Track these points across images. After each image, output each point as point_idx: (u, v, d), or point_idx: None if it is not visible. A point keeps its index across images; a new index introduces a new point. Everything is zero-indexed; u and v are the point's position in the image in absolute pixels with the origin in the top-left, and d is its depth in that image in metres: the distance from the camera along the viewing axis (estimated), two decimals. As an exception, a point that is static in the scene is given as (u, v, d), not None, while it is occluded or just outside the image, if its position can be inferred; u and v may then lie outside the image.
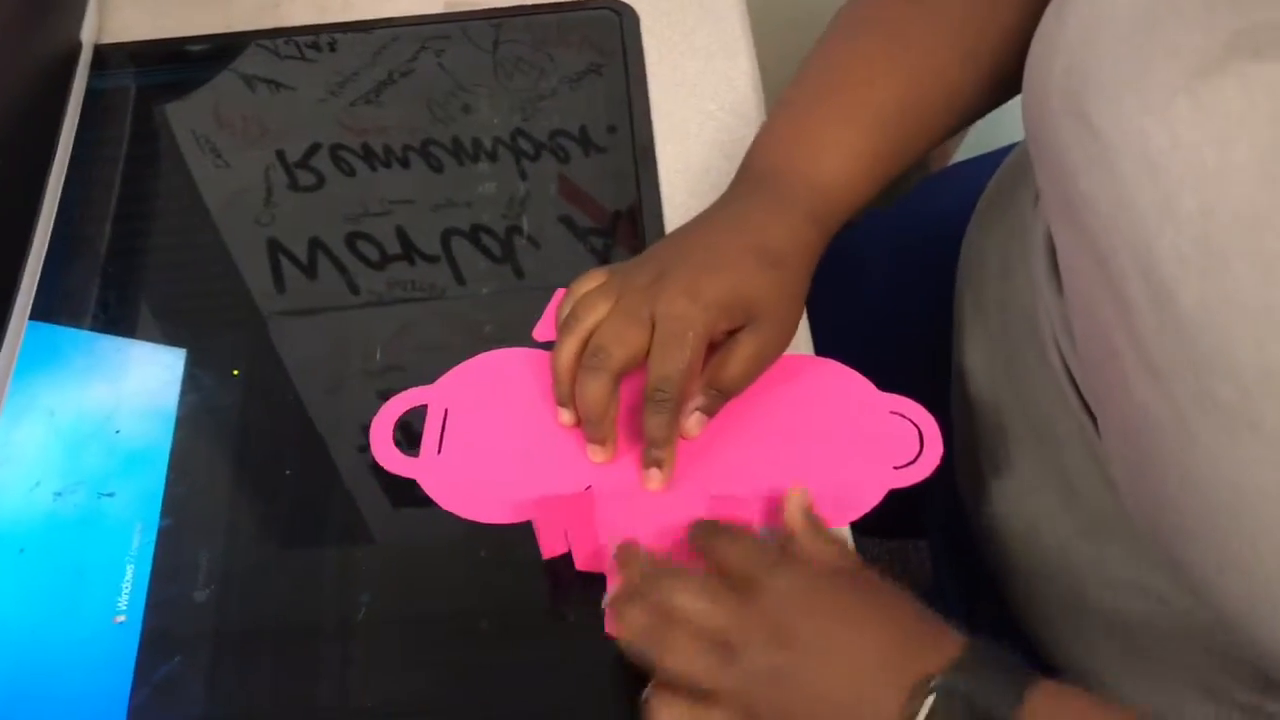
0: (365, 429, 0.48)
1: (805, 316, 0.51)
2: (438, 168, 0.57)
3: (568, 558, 0.44)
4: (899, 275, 0.69)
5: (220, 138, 0.58)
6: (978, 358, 0.54)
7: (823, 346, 0.51)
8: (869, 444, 0.47)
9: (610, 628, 0.41)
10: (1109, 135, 0.35)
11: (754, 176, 0.50)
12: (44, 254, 0.52)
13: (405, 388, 0.49)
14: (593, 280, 0.47)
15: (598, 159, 0.58)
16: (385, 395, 0.48)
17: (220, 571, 0.45)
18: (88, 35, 0.60)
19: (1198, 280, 0.33)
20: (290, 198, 0.56)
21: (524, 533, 0.45)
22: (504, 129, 0.59)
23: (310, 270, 0.53)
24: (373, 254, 0.53)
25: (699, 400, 0.46)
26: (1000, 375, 0.52)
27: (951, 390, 0.59)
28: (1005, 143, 0.70)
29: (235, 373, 0.50)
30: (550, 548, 0.44)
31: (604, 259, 0.54)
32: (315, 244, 0.54)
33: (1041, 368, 0.47)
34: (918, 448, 0.47)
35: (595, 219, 0.55)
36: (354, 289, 0.52)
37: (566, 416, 0.47)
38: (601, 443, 0.46)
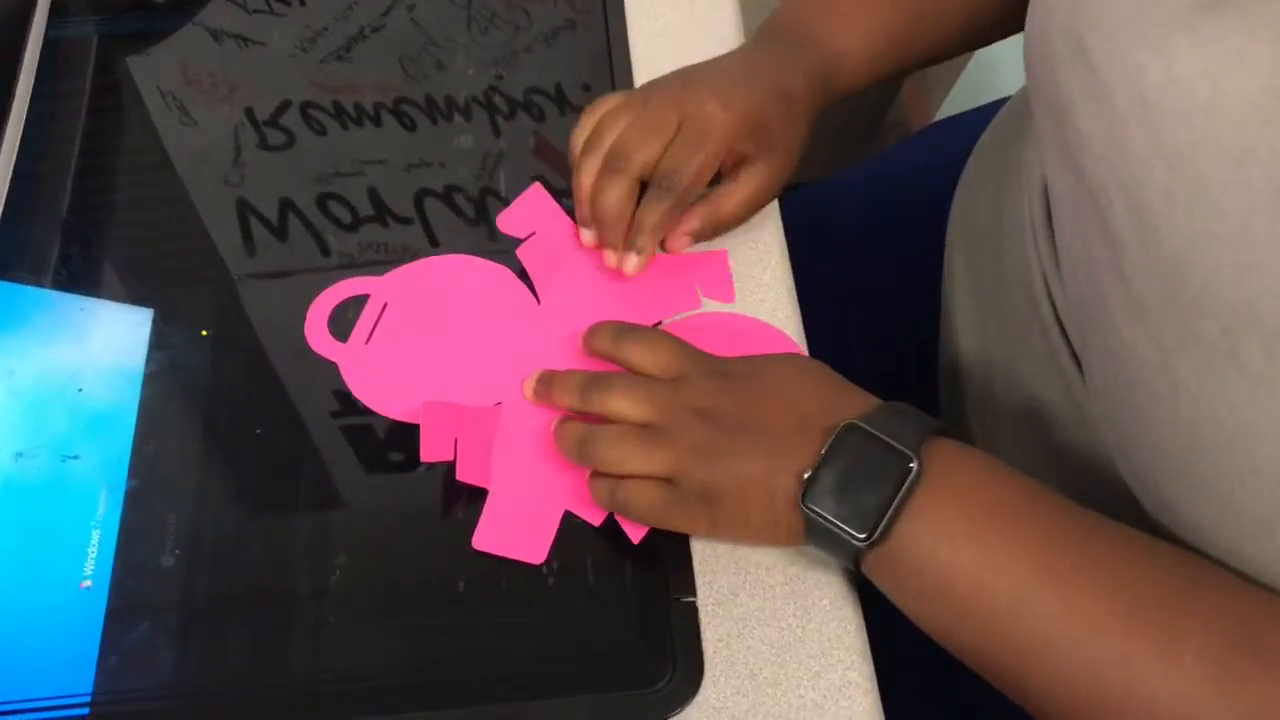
0: (336, 393, 0.47)
1: (789, 273, 0.52)
2: (410, 126, 0.56)
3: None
4: (879, 232, 0.69)
5: (187, 94, 0.56)
6: (968, 312, 0.55)
7: (805, 299, 0.51)
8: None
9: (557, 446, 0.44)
10: (1105, 72, 0.35)
11: (772, 34, 0.52)
12: (0, 209, 0.50)
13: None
14: (611, 101, 0.50)
15: (574, 117, 0.57)
16: (358, 359, 0.48)
17: (189, 536, 0.44)
18: (46, -19, 0.58)
19: (1184, 217, 0.33)
20: (260, 157, 0.54)
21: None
22: (478, 87, 0.57)
23: (280, 232, 0.52)
24: (344, 215, 0.52)
25: (693, 223, 0.48)
26: (989, 328, 0.52)
27: (940, 347, 0.59)
28: (987, 100, 0.70)
29: (205, 333, 0.49)
30: (432, 452, 0.45)
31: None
32: (286, 205, 0.53)
33: (1031, 318, 0.47)
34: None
35: (570, 179, 0.55)
36: (325, 251, 0.51)
37: (588, 236, 0.49)
38: (615, 248, 0.48)
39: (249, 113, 0.56)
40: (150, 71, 0.58)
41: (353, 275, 0.50)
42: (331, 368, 0.48)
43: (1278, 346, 0.31)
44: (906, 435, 0.39)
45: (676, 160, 0.46)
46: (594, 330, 0.46)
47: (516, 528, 0.44)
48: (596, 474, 0.44)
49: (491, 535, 0.44)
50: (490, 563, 0.43)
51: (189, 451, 0.46)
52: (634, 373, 0.45)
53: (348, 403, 0.47)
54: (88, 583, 0.43)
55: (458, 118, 0.56)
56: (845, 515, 0.39)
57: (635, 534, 0.44)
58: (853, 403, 0.41)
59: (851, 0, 0.52)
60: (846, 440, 0.39)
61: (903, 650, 0.45)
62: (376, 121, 0.56)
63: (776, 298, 0.50)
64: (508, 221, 0.52)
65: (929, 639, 0.40)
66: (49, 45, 0.57)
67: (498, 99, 0.57)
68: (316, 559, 0.44)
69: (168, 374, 0.48)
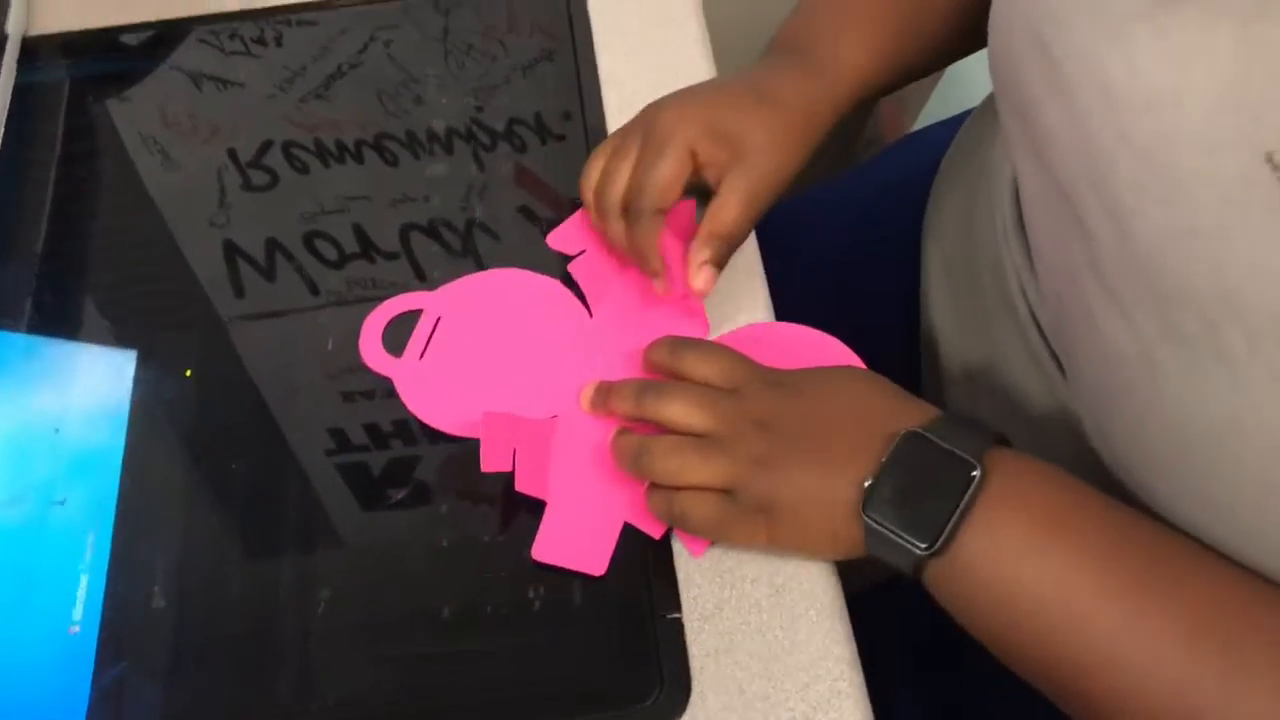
0: (331, 431, 0.47)
1: (765, 287, 0.52)
2: (392, 161, 0.56)
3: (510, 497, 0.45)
4: (860, 243, 0.69)
5: (168, 137, 0.56)
6: (945, 316, 0.55)
7: (782, 314, 0.51)
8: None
9: (616, 462, 0.44)
10: (1067, 66, 0.35)
11: (769, 49, 0.53)
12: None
13: (369, 388, 0.48)
14: (600, 150, 0.51)
15: (555, 146, 0.57)
16: (349, 396, 0.48)
17: (178, 578, 0.44)
18: (14, 26, 0.58)
19: (1155, 209, 0.33)
20: (244, 198, 0.54)
21: (487, 520, 0.45)
22: (458, 119, 0.58)
23: (269, 272, 0.52)
24: (331, 253, 0.52)
25: (704, 252, 0.46)
26: (968, 332, 0.53)
27: (921, 354, 0.60)
28: (959, 110, 0.71)
29: (188, 373, 0.49)
30: (492, 463, 0.45)
31: (565, 250, 0.54)
32: (273, 244, 0.53)
33: (1008, 319, 0.47)
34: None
35: (554, 208, 0.55)
36: (314, 289, 0.51)
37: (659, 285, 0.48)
38: (656, 274, 0.47)
39: (232, 154, 0.56)
40: (129, 115, 0.58)
41: (347, 309, 0.50)
42: (321, 407, 0.48)
43: (1259, 336, 0.31)
44: (969, 443, 0.38)
45: (640, 176, 0.47)
46: (654, 344, 0.46)
47: (576, 539, 0.44)
48: (654, 486, 0.43)
49: (551, 546, 0.44)
50: (473, 590, 0.43)
51: (175, 493, 0.46)
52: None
53: (343, 440, 0.47)
54: (76, 628, 0.43)
55: (439, 151, 0.57)
56: (907, 524, 0.38)
57: (696, 548, 0.44)
58: (912, 412, 0.41)
59: (852, 11, 0.52)
60: (907, 448, 0.39)
61: (897, 664, 0.45)
62: (358, 158, 0.56)
63: (753, 310, 0.51)
64: (558, 239, 0.52)
65: (924, 655, 0.40)
66: (20, 91, 0.57)
67: (478, 131, 0.58)
68: (303, 594, 0.43)
69: (152, 416, 0.48)
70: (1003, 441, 0.40)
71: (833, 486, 0.40)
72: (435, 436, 0.47)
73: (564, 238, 0.53)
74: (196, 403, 0.48)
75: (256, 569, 0.44)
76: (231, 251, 0.52)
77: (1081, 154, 0.35)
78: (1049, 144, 0.37)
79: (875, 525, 0.38)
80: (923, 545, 0.37)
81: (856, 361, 0.48)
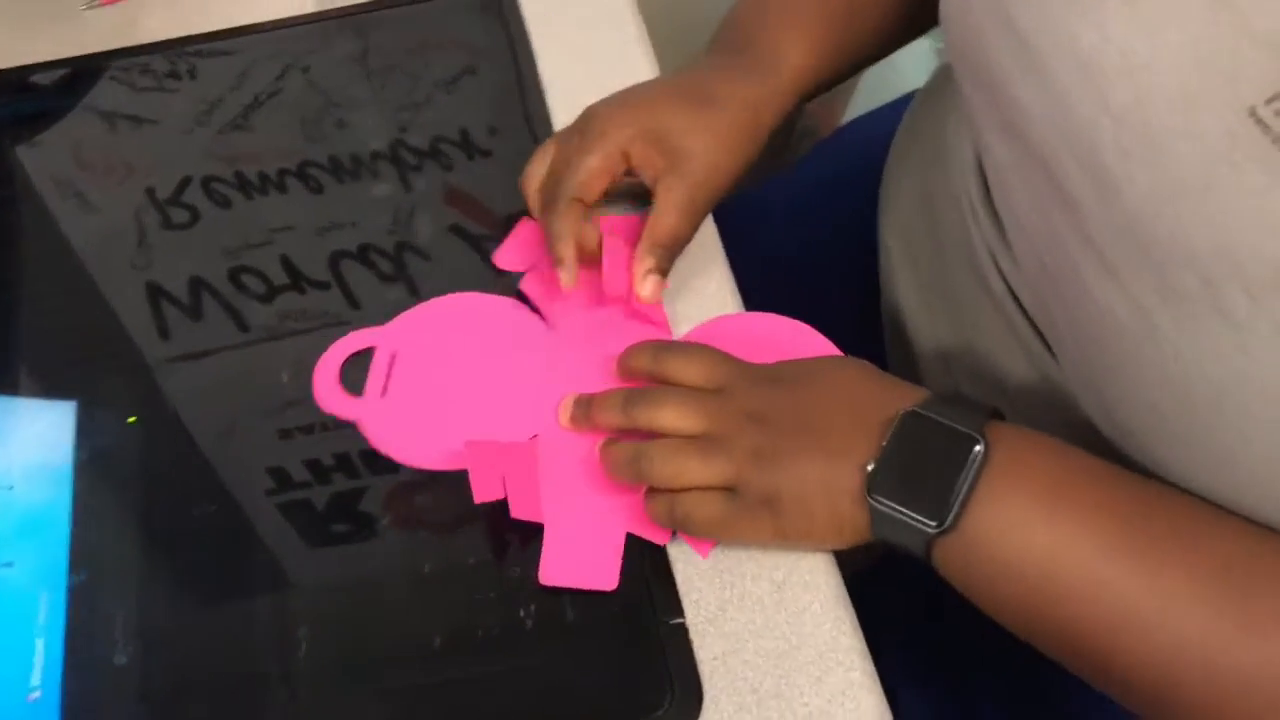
0: (271, 470, 0.46)
1: (731, 279, 0.51)
2: (317, 189, 0.55)
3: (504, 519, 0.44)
4: (815, 233, 0.69)
5: (83, 180, 0.55)
6: (912, 300, 0.55)
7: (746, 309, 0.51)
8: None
9: (604, 467, 0.43)
10: (1037, 41, 0.35)
11: (712, 48, 0.53)
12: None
13: (307, 423, 0.47)
14: (545, 147, 0.50)
15: (482, 162, 0.57)
16: (287, 434, 0.47)
17: (139, 631, 0.43)
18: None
19: (1141, 170, 0.33)
20: (165, 237, 0.53)
21: (473, 540, 0.44)
22: (383, 141, 0.57)
23: (194, 311, 0.51)
24: (259, 287, 0.51)
25: (648, 262, 0.46)
26: (939, 313, 0.53)
27: (886, 339, 0.59)
28: (893, 97, 0.71)
29: (131, 420, 0.48)
30: (484, 493, 0.44)
31: (498, 265, 0.54)
32: (197, 283, 0.52)
33: (982, 295, 0.47)
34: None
35: (486, 224, 0.54)
36: (243, 326, 0.50)
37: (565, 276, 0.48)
38: (561, 263, 0.47)
39: (150, 193, 0.55)
40: (41, 159, 0.56)
41: (279, 344, 0.49)
42: (260, 445, 0.47)
43: (1260, 288, 0.31)
44: (967, 419, 0.38)
45: (565, 163, 0.47)
46: (631, 351, 0.45)
47: (581, 557, 0.43)
48: (652, 491, 0.43)
49: (558, 568, 0.43)
50: (460, 614, 0.43)
51: (129, 543, 0.45)
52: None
53: (283, 478, 0.46)
54: (36, 693, 0.42)
55: (365, 175, 0.56)
56: (914, 504, 0.38)
57: (703, 549, 0.43)
58: (904, 394, 0.41)
59: (792, 8, 0.52)
60: (906, 428, 0.38)
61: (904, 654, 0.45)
62: (282, 188, 0.55)
63: (721, 301, 0.50)
64: (504, 258, 0.51)
65: (928, 641, 0.40)
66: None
67: (404, 151, 0.57)
68: (278, 635, 0.42)
69: (98, 466, 0.47)
70: (997, 415, 0.40)
71: (835, 473, 0.39)
72: (382, 467, 0.46)
73: (510, 255, 0.52)
74: (142, 450, 0.47)
75: (221, 613, 0.43)
76: (155, 293, 0.51)
77: (1060, 124, 0.35)
78: (1022, 116, 0.37)
79: (882, 508, 0.38)
80: (933, 524, 0.37)
81: (833, 349, 0.48)
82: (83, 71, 0.59)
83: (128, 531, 0.45)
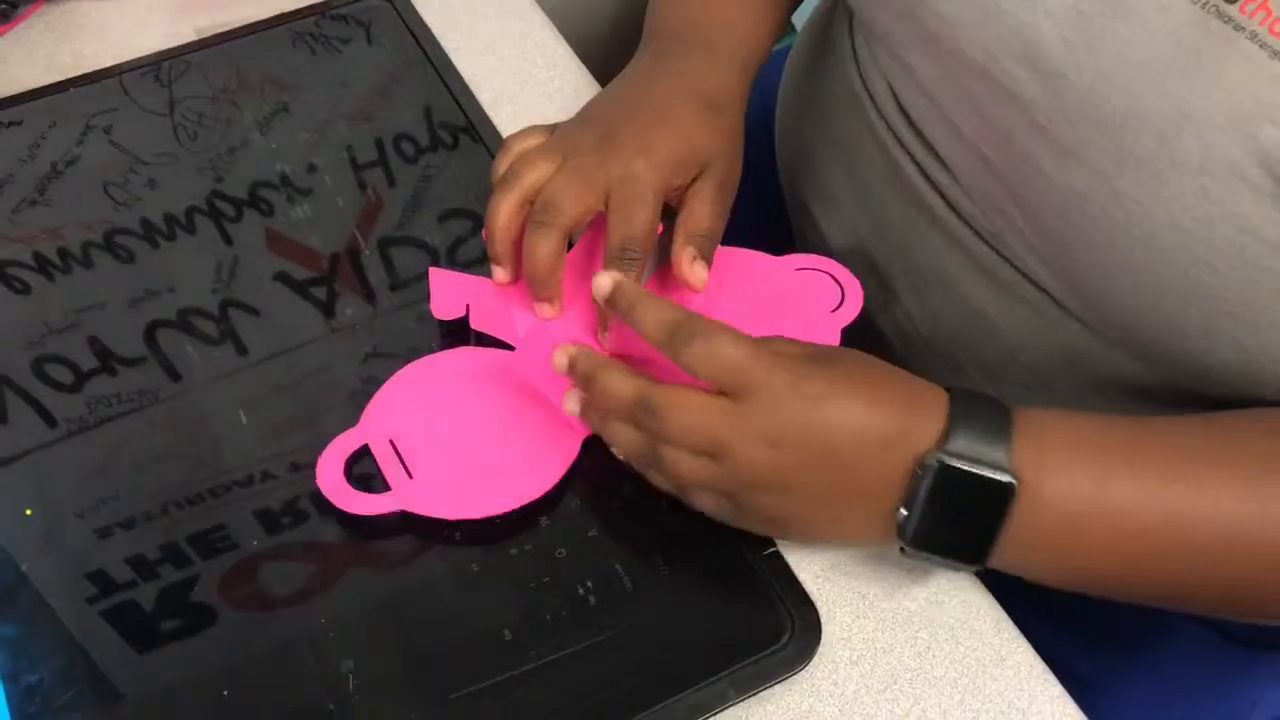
0: (91, 575, 0.42)
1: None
2: (127, 258, 0.51)
3: None
4: None
5: None
6: (841, 239, 0.56)
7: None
8: (796, 303, 0.48)
9: (579, 423, 0.44)
10: None
11: (673, 33, 0.52)
12: None
13: (128, 516, 0.43)
14: (530, 138, 0.48)
15: (302, 204, 0.53)
16: (105, 532, 0.42)
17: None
18: None
19: (1085, 55, 0.37)
20: (-44, 336, 0.49)
21: (511, 533, 0.44)
22: (197, 195, 0.53)
23: (-5, 414, 0.46)
24: (65, 376, 0.47)
25: (690, 250, 0.45)
26: (875, 250, 0.53)
27: None
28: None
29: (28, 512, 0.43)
30: (443, 311, 0.48)
31: (329, 308, 0.49)
32: (-3, 382, 0.47)
33: (921, 219, 0.49)
34: (838, 289, 0.48)
35: (312, 267, 0.50)
36: (50, 421, 0.45)
37: (502, 274, 0.46)
38: (550, 301, 0.45)
39: (-61, 290, 0.50)
40: None
41: (93, 435, 0.45)
42: (81, 551, 0.42)
43: (1210, 137, 0.35)
44: (993, 450, 0.37)
45: (627, 229, 0.44)
46: (649, 311, 0.40)
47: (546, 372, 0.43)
48: (655, 471, 0.41)
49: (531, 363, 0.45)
50: (530, 602, 0.42)
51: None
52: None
53: (105, 582, 0.42)
54: None
55: (180, 234, 0.52)
56: (952, 553, 0.39)
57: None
58: (923, 414, 0.38)
59: None
60: (935, 481, 0.37)
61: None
62: (87, 263, 0.50)
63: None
64: (441, 309, 0.48)
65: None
66: None
67: (220, 203, 0.53)
68: (323, 674, 0.38)
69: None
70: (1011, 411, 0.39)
71: (860, 524, 0.40)
72: (214, 551, 0.42)
73: (443, 306, 0.48)
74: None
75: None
76: (-49, 400, 0.47)
77: (993, 30, 0.39)
78: (951, 31, 0.41)
79: (916, 555, 0.39)
80: (973, 567, 0.39)
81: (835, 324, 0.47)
82: None
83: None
